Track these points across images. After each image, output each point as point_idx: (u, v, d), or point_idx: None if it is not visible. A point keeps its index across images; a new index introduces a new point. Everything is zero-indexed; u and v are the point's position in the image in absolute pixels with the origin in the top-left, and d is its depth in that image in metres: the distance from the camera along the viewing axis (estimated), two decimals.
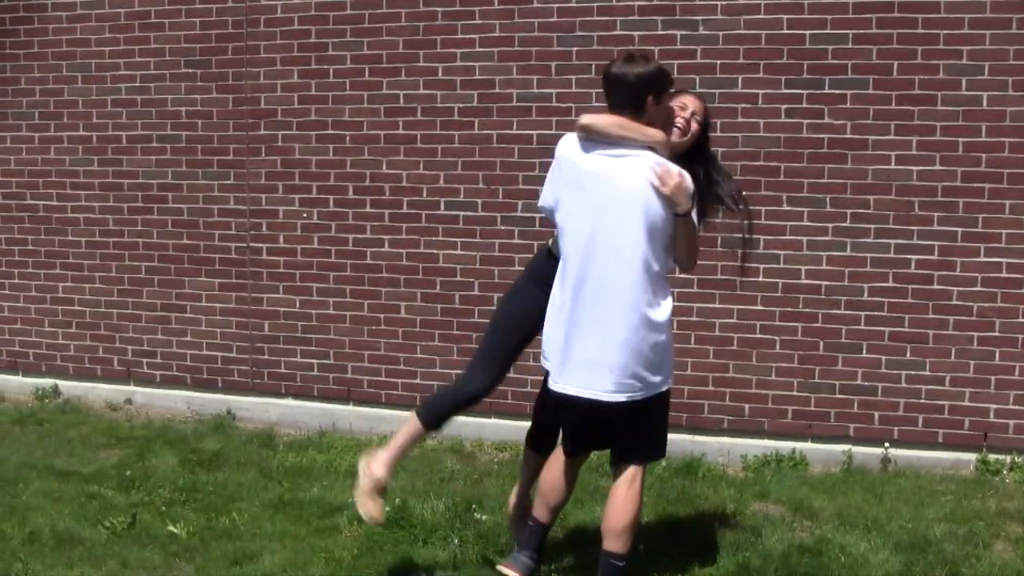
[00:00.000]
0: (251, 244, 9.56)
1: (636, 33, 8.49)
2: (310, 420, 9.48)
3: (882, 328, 8.30)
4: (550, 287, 5.84)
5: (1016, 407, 8.16)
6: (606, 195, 5.57)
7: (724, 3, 8.33)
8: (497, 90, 8.85)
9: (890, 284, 8.24)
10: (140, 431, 9.24)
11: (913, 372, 8.28)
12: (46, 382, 10.31)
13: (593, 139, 5.64)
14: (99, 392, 10.15)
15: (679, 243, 5.70)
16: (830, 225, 8.30)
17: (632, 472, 5.87)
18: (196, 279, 9.76)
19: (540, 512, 6.21)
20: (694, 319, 8.52)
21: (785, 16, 8.23)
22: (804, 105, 8.27)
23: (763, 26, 8.28)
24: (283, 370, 9.63)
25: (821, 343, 8.42)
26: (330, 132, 9.26)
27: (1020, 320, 8.10)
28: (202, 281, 9.75)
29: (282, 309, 9.55)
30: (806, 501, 7.55)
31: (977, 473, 8.17)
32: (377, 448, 6.26)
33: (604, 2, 8.55)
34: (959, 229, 8.11)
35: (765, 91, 8.32)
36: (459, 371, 8.93)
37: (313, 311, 9.47)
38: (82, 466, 8.32)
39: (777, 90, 8.30)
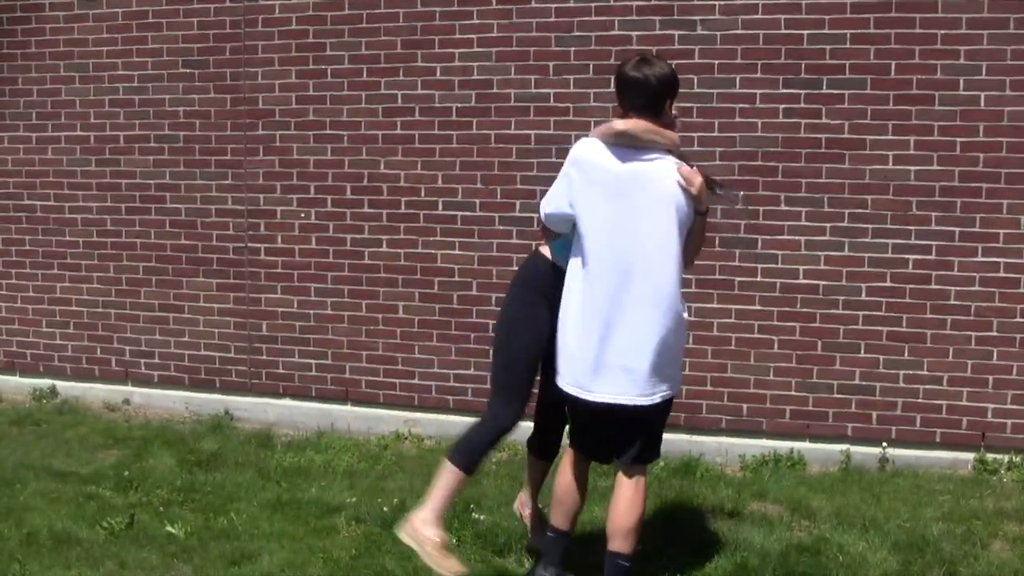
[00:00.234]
0: (249, 244, 9.56)
1: (634, 33, 8.49)
2: (308, 420, 9.48)
3: (880, 328, 8.30)
4: (558, 299, 5.83)
5: (1014, 406, 8.16)
6: (644, 197, 5.61)
7: (722, 3, 8.33)
8: (495, 90, 8.85)
9: (888, 284, 8.24)
10: (138, 431, 9.23)
11: (911, 372, 8.29)
12: (44, 382, 10.31)
13: (621, 143, 5.65)
14: (97, 392, 10.15)
15: (692, 241, 5.79)
16: (828, 225, 8.30)
17: (639, 472, 5.90)
18: (194, 279, 9.76)
19: (559, 520, 6.14)
20: (692, 319, 8.49)
21: (783, 16, 8.23)
22: (802, 105, 8.27)
23: (761, 26, 8.28)
24: (281, 370, 9.63)
25: (819, 343, 8.42)
26: (328, 132, 9.26)
27: (1018, 320, 8.10)
28: (200, 281, 9.75)
29: (280, 309, 9.55)
30: (804, 501, 7.55)
31: (975, 472, 8.18)
32: (414, 512, 5.96)
33: (602, 2, 8.54)
34: (957, 229, 8.12)
35: (763, 91, 8.33)
36: (458, 371, 9.03)
37: (311, 311, 9.46)
38: (80, 467, 8.32)
39: (775, 90, 8.31)
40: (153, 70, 9.68)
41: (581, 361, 5.71)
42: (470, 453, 5.94)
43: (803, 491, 7.77)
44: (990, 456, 8.21)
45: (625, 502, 5.84)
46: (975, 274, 8.12)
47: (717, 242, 8.43)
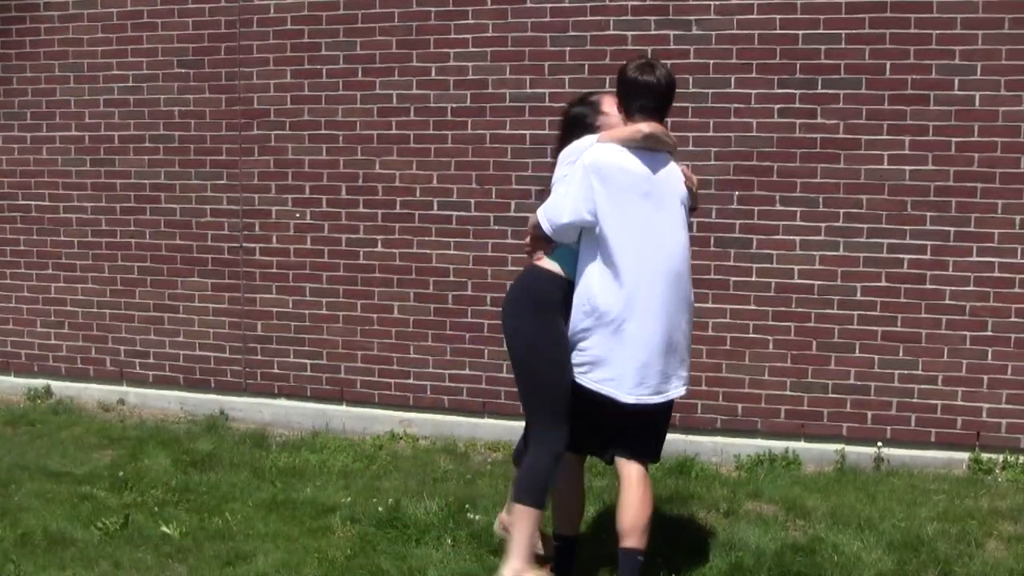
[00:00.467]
0: (244, 244, 9.55)
1: (629, 33, 8.49)
2: (303, 420, 9.48)
3: (875, 328, 8.31)
4: (568, 311, 5.85)
5: (1009, 406, 8.17)
6: (665, 197, 5.79)
7: (717, 3, 8.33)
8: (490, 90, 8.85)
9: (883, 284, 8.25)
10: (133, 432, 9.22)
11: (906, 371, 8.29)
12: (38, 383, 10.30)
13: (644, 146, 5.76)
14: (92, 393, 10.14)
15: None
16: (823, 225, 8.30)
17: (645, 468, 5.94)
18: (189, 279, 9.76)
19: (565, 527, 6.18)
20: None
21: (778, 16, 8.24)
22: (797, 105, 8.28)
23: (756, 26, 8.28)
24: (276, 370, 9.62)
25: (814, 343, 8.42)
26: (323, 132, 9.26)
27: (1013, 319, 8.11)
28: (195, 281, 9.74)
29: (275, 309, 9.55)
30: (799, 500, 7.55)
31: (970, 472, 8.18)
32: (505, 567, 5.89)
33: (597, 2, 8.55)
34: (952, 229, 8.12)
35: (758, 91, 8.33)
36: (453, 371, 9.03)
37: (306, 311, 9.46)
38: (75, 467, 8.31)
39: (770, 90, 8.31)
40: (148, 70, 9.68)
41: (623, 363, 5.75)
42: (537, 489, 5.86)
43: (798, 491, 7.77)
44: (985, 456, 8.21)
45: (637, 499, 5.84)
46: (970, 274, 8.12)
47: (712, 242, 8.44)
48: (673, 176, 5.85)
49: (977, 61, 7.96)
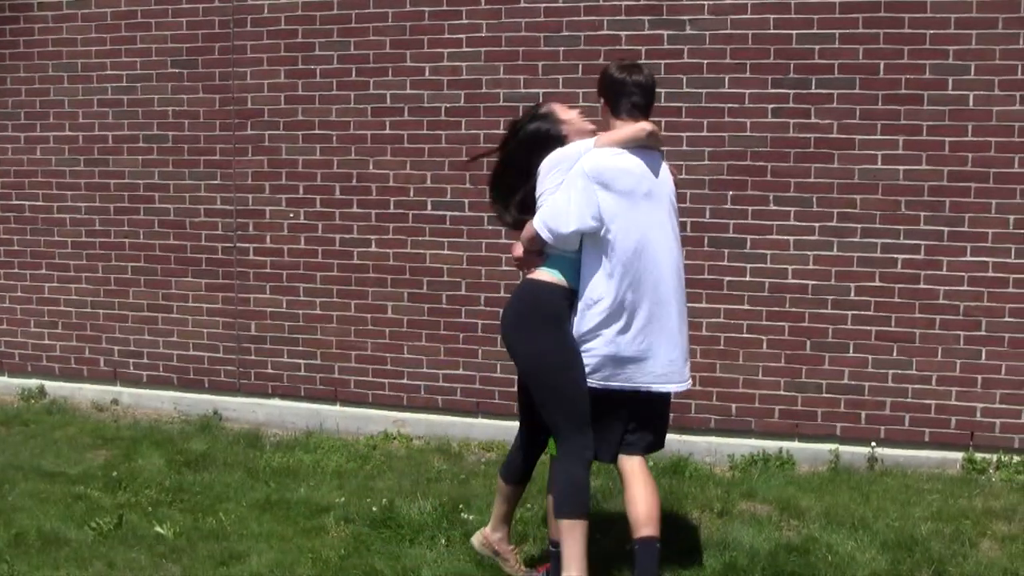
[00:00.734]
0: (238, 244, 9.55)
1: (623, 33, 8.50)
2: (297, 420, 9.48)
3: (869, 327, 8.31)
4: (573, 316, 5.86)
5: (1002, 406, 8.17)
6: (665, 196, 5.88)
7: (711, 3, 8.34)
8: (484, 90, 8.85)
9: (877, 283, 8.25)
10: (127, 432, 9.22)
11: (900, 371, 8.29)
12: (32, 383, 10.29)
13: (642, 145, 5.83)
14: (85, 393, 10.13)
15: None
16: (817, 225, 8.31)
17: (645, 461, 6.02)
18: (182, 279, 9.75)
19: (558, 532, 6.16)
20: None
21: (772, 16, 8.24)
22: (791, 105, 8.28)
23: (750, 26, 8.29)
24: (270, 370, 9.62)
25: (808, 342, 8.42)
26: (317, 132, 9.26)
27: (1007, 319, 8.11)
28: (188, 281, 9.74)
29: (269, 309, 9.54)
30: (793, 500, 7.55)
31: (964, 472, 8.18)
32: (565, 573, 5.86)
33: (591, 2, 8.55)
34: (945, 228, 8.13)
35: (752, 91, 8.33)
36: (447, 371, 9.02)
37: (300, 311, 9.46)
38: (68, 467, 8.31)
39: (764, 90, 8.31)
40: (142, 70, 9.68)
41: (640, 358, 5.83)
42: (579, 500, 5.83)
43: (792, 491, 7.77)
44: (979, 455, 8.22)
45: (648, 490, 5.88)
46: (964, 274, 8.13)
47: (706, 242, 8.44)
48: (666, 174, 5.91)
49: (971, 61, 7.97)
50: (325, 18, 9.15)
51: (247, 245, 9.53)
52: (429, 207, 9.05)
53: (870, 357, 8.33)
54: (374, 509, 7.29)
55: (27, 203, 10.14)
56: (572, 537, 5.80)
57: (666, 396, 6.05)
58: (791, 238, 8.35)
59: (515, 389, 6.35)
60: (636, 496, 5.87)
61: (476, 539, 6.50)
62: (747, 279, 8.46)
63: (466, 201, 8.92)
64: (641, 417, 5.99)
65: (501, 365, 8.72)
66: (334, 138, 9.22)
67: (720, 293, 8.51)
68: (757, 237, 8.40)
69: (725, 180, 8.39)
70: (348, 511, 7.32)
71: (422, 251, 9.10)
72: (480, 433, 9.02)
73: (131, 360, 10.01)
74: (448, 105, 8.94)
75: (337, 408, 9.47)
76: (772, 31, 8.25)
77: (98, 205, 9.92)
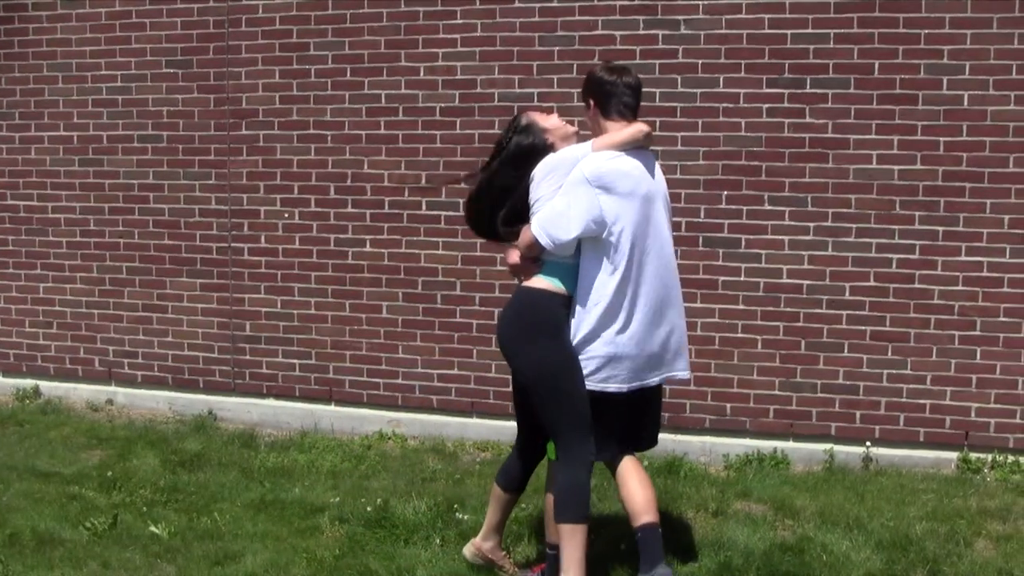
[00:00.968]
0: (232, 244, 9.54)
1: (618, 33, 8.50)
2: (292, 420, 9.47)
3: (864, 327, 8.31)
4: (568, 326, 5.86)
5: (997, 406, 8.18)
6: (660, 195, 5.93)
7: (706, 3, 8.34)
8: (479, 90, 8.84)
9: (872, 283, 8.26)
10: (121, 432, 9.21)
11: (895, 371, 8.30)
12: (27, 383, 10.29)
13: (640, 145, 5.89)
14: (80, 393, 10.13)
15: None
16: (812, 224, 8.31)
17: (635, 455, 6.10)
18: (177, 279, 9.74)
19: (558, 536, 6.15)
20: None
21: (767, 16, 8.24)
22: (786, 104, 8.28)
23: (745, 25, 8.29)
24: (265, 370, 9.62)
25: (803, 342, 8.43)
26: (312, 132, 9.26)
27: (1002, 319, 8.12)
28: (183, 281, 9.73)
29: (264, 309, 9.54)
30: (788, 500, 7.55)
31: (958, 472, 8.19)
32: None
33: (586, 2, 8.55)
34: (940, 228, 8.13)
35: (747, 90, 8.33)
36: (441, 371, 9.02)
37: (295, 311, 9.46)
38: (63, 467, 8.30)
39: (759, 89, 8.31)
40: (136, 70, 9.67)
41: (639, 356, 5.86)
42: (579, 505, 5.85)
43: (787, 490, 7.78)
44: (973, 455, 8.23)
45: (642, 482, 5.95)
46: (959, 273, 8.13)
47: (701, 241, 8.45)
48: (660, 174, 5.97)
49: (965, 60, 7.97)
50: (320, 18, 9.15)
51: (242, 245, 9.53)
52: (424, 207, 9.04)
53: (865, 357, 8.34)
54: (369, 509, 7.29)
55: (22, 203, 10.13)
56: (572, 542, 5.81)
57: (660, 388, 6.11)
58: (786, 238, 8.36)
59: (510, 389, 6.35)
60: (633, 488, 5.94)
61: (468, 550, 6.49)
62: (742, 279, 8.46)
63: (461, 201, 8.89)
64: (638, 413, 6.04)
65: (496, 365, 8.72)
66: (329, 138, 9.22)
67: (715, 293, 8.51)
68: (752, 237, 8.40)
69: (720, 180, 8.39)
70: (343, 511, 7.32)
71: (417, 251, 9.09)
72: (475, 433, 9.02)
73: (126, 360, 10.00)
74: (443, 105, 8.94)
75: (332, 408, 9.47)
76: (767, 31, 8.26)
77: (93, 205, 9.91)
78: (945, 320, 8.19)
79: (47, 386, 10.26)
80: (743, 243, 8.41)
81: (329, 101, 9.19)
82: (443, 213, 8.98)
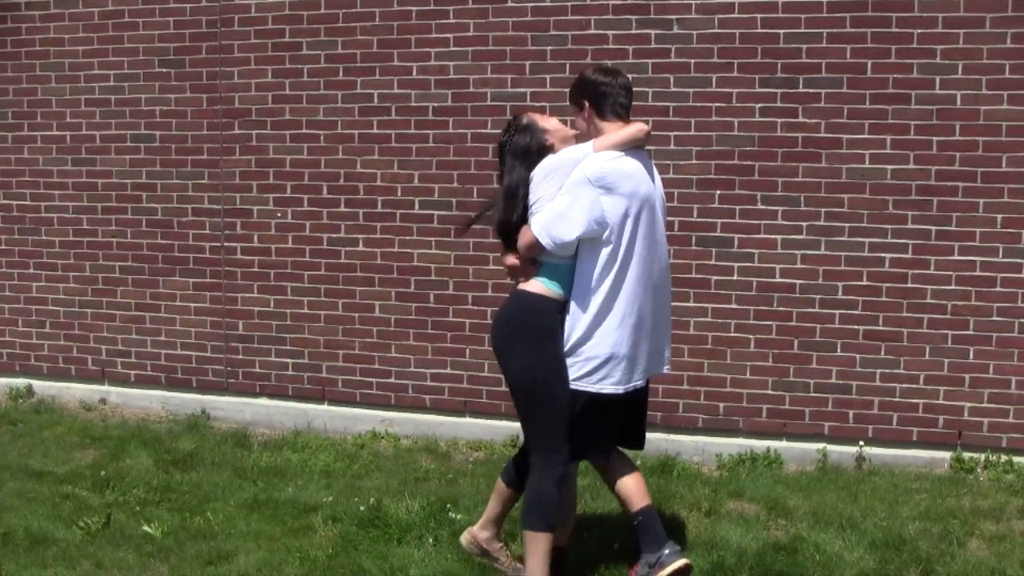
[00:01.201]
0: (225, 244, 9.54)
1: (610, 32, 8.49)
2: (285, 420, 9.47)
3: (857, 327, 8.32)
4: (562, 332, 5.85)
5: (990, 405, 8.18)
6: (656, 194, 5.95)
7: (698, 2, 8.34)
8: (471, 89, 8.84)
9: (864, 283, 8.26)
10: (114, 431, 9.20)
11: (888, 371, 8.30)
12: (20, 382, 10.28)
13: (634, 146, 5.90)
14: (73, 392, 10.12)
15: None
16: (804, 224, 8.31)
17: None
18: (170, 279, 9.74)
19: (560, 538, 6.15)
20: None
21: (759, 15, 8.25)
22: (778, 104, 8.28)
23: (737, 25, 8.29)
24: (258, 370, 9.61)
25: (796, 342, 8.43)
26: (304, 131, 9.25)
27: (995, 318, 8.12)
28: (176, 281, 9.73)
29: (257, 309, 9.53)
30: (781, 500, 7.55)
31: (952, 471, 8.19)
32: None
33: (578, 1, 8.55)
34: (933, 228, 8.13)
35: (739, 90, 8.34)
36: (435, 371, 9.01)
37: (288, 310, 9.45)
38: (56, 466, 8.29)
39: (751, 89, 8.32)
40: (129, 69, 9.67)
41: (631, 358, 5.88)
42: (548, 513, 5.85)
43: (780, 490, 7.78)
44: (967, 455, 8.23)
45: (631, 472, 6.05)
46: (952, 273, 8.14)
47: (694, 241, 8.45)
48: (656, 174, 6.00)
49: (958, 60, 7.97)
50: (312, 17, 9.14)
51: (235, 244, 9.52)
52: (416, 206, 9.04)
53: (858, 356, 8.34)
54: (362, 508, 7.28)
55: (15, 202, 10.12)
56: (535, 550, 5.84)
57: (648, 387, 6.16)
58: (779, 237, 8.36)
59: (503, 389, 6.35)
60: (625, 478, 6.01)
61: (464, 538, 6.48)
62: (735, 278, 8.46)
63: (454, 200, 8.92)
64: (628, 412, 6.07)
65: (488, 364, 8.72)
66: (321, 137, 9.22)
67: (708, 292, 8.51)
68: (745, 236, 8.40)
69: (713, 179, 8.39)
70: (336, 510, 7.31)
71: (409, 250, 9.09)
72: (468, 432, 9.02)
73: (119, 359, 10.00)
74: (435, 104, 8.94)
75: (325, 407, 9.47)
76: (759, 30, 8.26)
77: (86, 204, 9.90)
78: (938, 320, 8.20)
79: (40, 385, 10.25)
80: (736, 242, 8.41)
81: (322, 100, 9.19)
82: (436, 212, 8.97)
